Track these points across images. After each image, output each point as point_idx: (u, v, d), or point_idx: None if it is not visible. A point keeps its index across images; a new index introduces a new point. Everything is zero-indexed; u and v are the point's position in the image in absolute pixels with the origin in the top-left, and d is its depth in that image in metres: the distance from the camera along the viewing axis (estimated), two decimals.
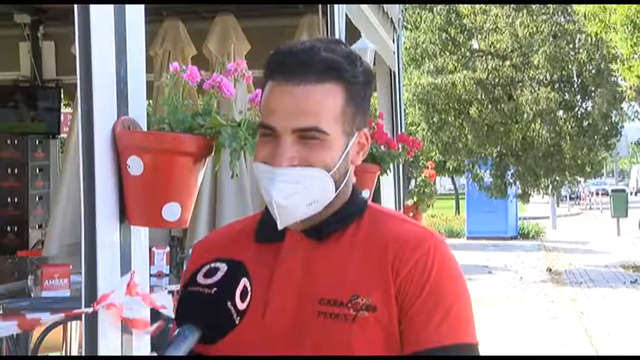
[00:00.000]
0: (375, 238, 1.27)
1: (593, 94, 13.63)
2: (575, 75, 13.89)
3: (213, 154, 1.61)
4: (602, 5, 10.81)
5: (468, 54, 13.97)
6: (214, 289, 1.11)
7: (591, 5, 11.01)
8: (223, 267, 1.14)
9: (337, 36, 3.96)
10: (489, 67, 13.53)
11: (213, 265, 1.15)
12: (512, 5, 13.32)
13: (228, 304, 1.10)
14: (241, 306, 1.12)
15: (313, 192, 1.24)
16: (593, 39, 12.40)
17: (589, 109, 13.94)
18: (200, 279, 1.12)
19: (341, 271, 1.25)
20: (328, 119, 1.23)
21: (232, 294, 1.11)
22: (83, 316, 1.55)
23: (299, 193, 1.23)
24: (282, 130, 1.22)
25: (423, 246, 1.25)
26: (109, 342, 1.56)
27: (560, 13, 13.43)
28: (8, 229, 6.19)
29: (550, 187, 14.96)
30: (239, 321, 1.12)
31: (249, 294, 1.14)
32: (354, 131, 1.28)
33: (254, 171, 1.27)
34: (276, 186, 1.22)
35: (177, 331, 1.09)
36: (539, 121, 13.24)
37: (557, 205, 24.86)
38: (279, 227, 1.26)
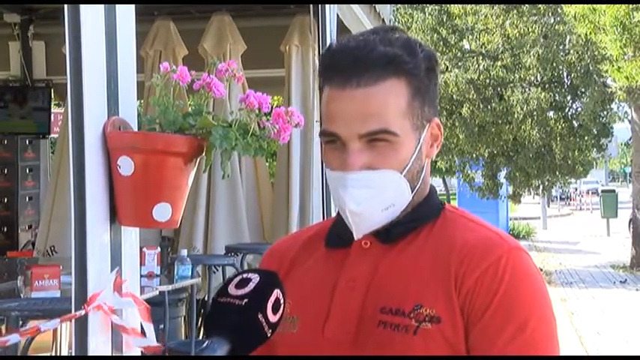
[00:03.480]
0: (442, 243, 1.17)
1: (582, 94, 13.69)
2: (565, 76, 13.94)
3: (204, 154, 1.61)
4: (591, 6, 10.86)
5: (459, 54, 14.00)
6: (245, 300, 1.04)
7: (581, 6, 11.06)
8: (255, 277, 1.07)
9: (328, 36, 3.96)
10: (480, 67, 13.57)
11: (245, 275, 1.08)
12: (502, 6, 13.36)
13: (259, 316, 1.04)
14: (273, 318, 1.06)
15: (388, 196, 1.16)
16: (583, 40, 12.46)
17: (579, 109, 14.01)
18: (231, 289, 1.06)
19: (406, 278, 1.15)
20: (395, 118, 1.14)
21: (264, 306, 1.05)
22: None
23: (373, 198, 1.15)
24: (347, 137, 1.14)
25: (493, 253, 1.13)
26: (98, 342, 1.55)
27: (550, 14, 13.47)
28: None
29: (541, 187, 15.02)
30: (270, 334, 1.06)
31: (282, 306, 1.08)
32: (425, 124, 1.19)
33: (328, 180, 1.20)
34: (347, 192, 1.15)
35: (206, 343, 1.04)
36: (529, 122, 13.29)
37: (548, 206, 24.95)
38: (356, 237, 1.18)
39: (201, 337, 4.74)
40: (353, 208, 1.16)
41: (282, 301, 1.08)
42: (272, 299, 1.06)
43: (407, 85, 1.16)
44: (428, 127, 1.20)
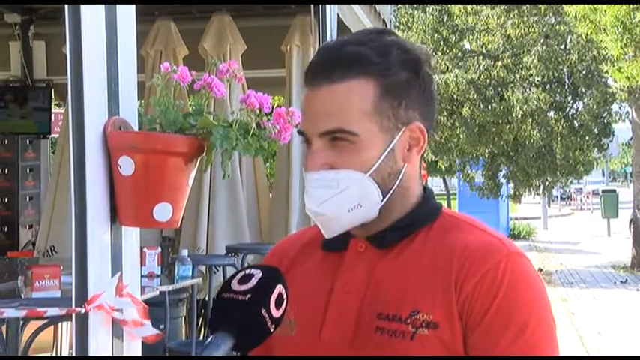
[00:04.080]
0: (441, 248, 1.15)
1: (583, 94, 13.69)
2: (566, 76, 13.94)
3: (204, 154, 1.61)
4: (592, 6, 10.85)
5: (460, 54, 14.00)
6: (248, 295, 1.05)
7: (581, 6, 11.05)
8: (258, 273, 1.08)
9: (329, 36, 3.96)
10: (481, 67, 13.56)
11: (247, 271, 1.09)
12: (503, 6, 13.36)
13: (263, 311, 1.05)
14: (276, 313, 1.06)
15: (351, 196, 1.15)
16: (584, 40, 12.45)
17: (580, 109, 14.00)
18: (234, 285, 1.07)
19: (403, 283, 1.14)
20: (356, 118, 1.13)
21: (267, 301, 1.06)
22: (74, 316, 1.55)
23: (334, 197, 1.14)
24: (310, 135, 1.16)
25: (492, 257, 1.12)
26: (99, 342, 1.55)
27: (551, 14, 13.47)
28: None
29: (541, 187, 15.01)
30: (274, 329, 1.07)
31: (285, 301, 1.08)
32: (400, 126, 1.16)
33: None
34: (309, 192, 1.16)
35: (210, 338, 1.05)
36: (530, 122, 13.28)
37: (549, 206, 24.94)
38: (326, 236, 1.19)
39: (201, 337, 4.74)
40: (314, 209, 1.16)
41: (284, 296, 1.09)
42: (275, 294, 1.07)
43: (374, 86, 1.14)
44: (405, 130, 1.17)
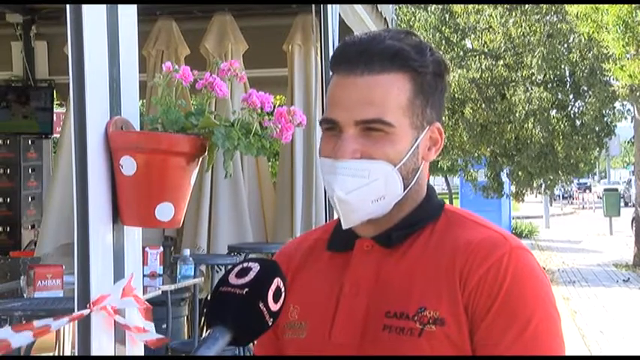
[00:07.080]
0: (445, 245, 1.17)
1: (585, 93, 13.67)
2: (568, 75, 13.92)
3: (206, 153, 1.61)
4: (594, 6, 10.84)
5: (461, 53, 13.98)
6: (246, 289, 1.04)
7: (583, 6, 11.04)
8: (255, 267, 1.07)
9: (330, 36, 3.96)
10: (483, 66, 13.54)
11: (245, 264, 1.09)
12: (505, 5, 13.34)
13: (260, 304, 1.04)
14: (274, 307, 1.05)
15: (378, 187, 1.15)
16: (586, 39, 12.43)
17: (582, 108, 13.98)
18: (232, 279, 1.06)
19: (409, 281, 1.15)
20: (393, 111, 1.15)
21: (265, 295, 1.05)
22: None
23: (363, 187, 1.15)
24: (344, 123, 1.16)
25: (495, 253, 1.13)
26: (102, 342, 1.55)
27: (553, 13, 13.45)
28: (0, 229, 6.17)
29: (543, 186, 15.00)
30: (272, 322, 1.06)
31: (283, 295, 1.07)
32: (425, 125, 1.19)
33: (320, 166, 1.21)
34: (337, 179, 1.15)
35: (208, 332, 1.04)
36: (532, 121, 13.27)
37: (551, 205, 24.92)
38: (344, 226, 1.19)
39: (203, 336, 4.74)
40: (342, 196, 1.16)
41: (282, 289, 1.08)
42: (273, 288, 1.06)
43: (411, 82, 1.17)
44: (428, 130, 1.20)
